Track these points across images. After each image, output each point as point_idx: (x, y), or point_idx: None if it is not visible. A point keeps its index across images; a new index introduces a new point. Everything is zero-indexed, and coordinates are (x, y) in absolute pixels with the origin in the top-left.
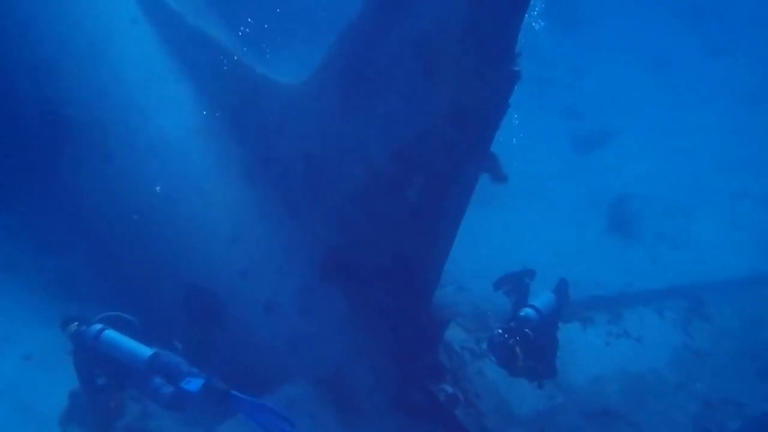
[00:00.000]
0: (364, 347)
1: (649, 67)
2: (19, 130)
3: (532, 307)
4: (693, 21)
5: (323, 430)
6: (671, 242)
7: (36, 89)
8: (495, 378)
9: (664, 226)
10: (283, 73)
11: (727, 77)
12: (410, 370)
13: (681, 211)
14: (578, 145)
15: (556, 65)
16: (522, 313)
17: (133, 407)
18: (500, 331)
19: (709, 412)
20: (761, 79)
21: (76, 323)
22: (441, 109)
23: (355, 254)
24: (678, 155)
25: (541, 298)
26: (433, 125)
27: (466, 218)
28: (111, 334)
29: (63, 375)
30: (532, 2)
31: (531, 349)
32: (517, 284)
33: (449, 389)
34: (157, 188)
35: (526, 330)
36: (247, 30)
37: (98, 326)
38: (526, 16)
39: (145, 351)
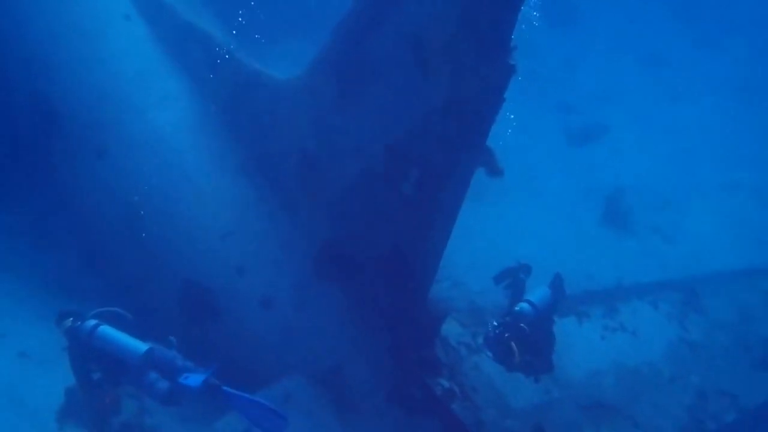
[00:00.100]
0: (360, 342)
1: (643, 61)
2: (12, 127)
3: (528, 301)
4: (685, 15)
5: (319, 424)
6: (665, 235)
7: (29, 85)
8: (491, 372)
9: (658, 219)
10: (278, 69)
11: (719, 71)
12: (407, 365)
13: (674, 204)
14: (572, 139)
15: (550, 59)
16: (517, 308)
17: (129, 404)
18: (495, 324)
19: (704, 403)
20: (753, 72)
21: (71, 319)
22: (436, 103)
23: (351, 249)
24: (671, 148)
25: (537, 292)
26: (428, 119)
27: (460, 212)
28: (106, 329)
29: (59, 371)
30: None
31: (527, 343)
32: (513, 279)
33: (446, 383)
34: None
35: (522, 325)
36: (243, 21)
37: (93, 322)
38: (523, 9)
39: (141, 346)
